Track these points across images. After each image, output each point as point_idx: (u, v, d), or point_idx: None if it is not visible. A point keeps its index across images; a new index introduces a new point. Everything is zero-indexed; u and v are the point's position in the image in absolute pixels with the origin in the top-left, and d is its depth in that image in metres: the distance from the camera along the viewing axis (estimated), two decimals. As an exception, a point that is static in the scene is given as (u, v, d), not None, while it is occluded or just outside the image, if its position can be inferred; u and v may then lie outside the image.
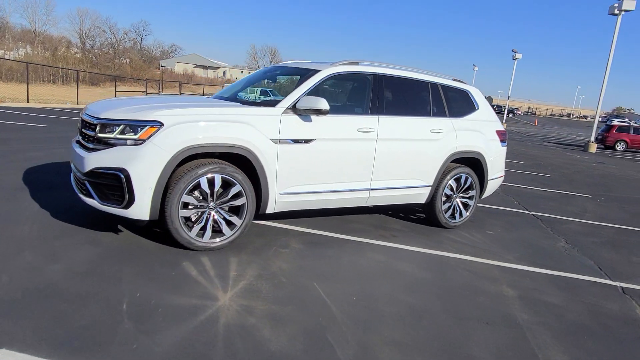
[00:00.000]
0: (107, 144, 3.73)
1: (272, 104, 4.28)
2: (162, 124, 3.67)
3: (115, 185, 3.65)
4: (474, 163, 5.60)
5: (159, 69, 71.22)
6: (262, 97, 5.23)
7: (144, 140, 3.65)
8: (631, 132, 26.80)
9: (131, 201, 3.63)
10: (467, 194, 5.60)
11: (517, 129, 41.73)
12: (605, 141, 26.66)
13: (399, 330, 3.01)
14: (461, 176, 5.44)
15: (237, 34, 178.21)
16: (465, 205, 5.61)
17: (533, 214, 6.89)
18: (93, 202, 3.78)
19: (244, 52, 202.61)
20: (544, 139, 30.97)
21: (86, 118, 4.00)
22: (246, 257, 3.97)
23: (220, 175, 3.88)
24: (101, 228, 4.24)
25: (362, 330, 2.96)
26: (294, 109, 4.24)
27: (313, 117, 4.29)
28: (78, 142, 4.14)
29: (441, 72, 5.65)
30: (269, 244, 4.32)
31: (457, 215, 5.54)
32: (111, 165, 3.64)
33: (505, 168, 6.26)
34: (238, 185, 3.97)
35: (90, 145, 3.83)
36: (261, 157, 4.03)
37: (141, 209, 3.66)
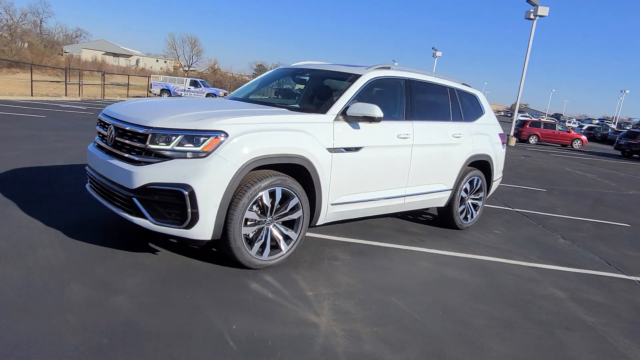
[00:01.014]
0: (161, 156, 3.32)
1: (322, 110, 4.08)
2: (227, 135, 3.33)
3: (176, 203, 3.26)
4: (483, 165, 5.79)
5: (62, 54, 65.09)
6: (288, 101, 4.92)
7: (208, 153, 3.28)
8: (542, 127, 29.51)
9: (194, 220, 3.26)
10: (478, 195, 5.79)
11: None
12: (520, 135, 29.05)
13: (504, 344, 3.03)
14: (474, 179, 5.61)
15: (150, 21, 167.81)
16: (475, 207, 5.80)
17: (516, 211, 7.31)
18: (144, 222, 3.34)
19: (160, 40, 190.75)
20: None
21: (125, 126, 3.52)
22: (307, 273, 3.76)
23: (281, 188, 3.63)
24: (132, 248, 3.79)
25: (477, 348, 2.93)
26: (344, 115, 4.07)
27: (360, 124, 4.15)
28: (110, 151, 3.64)
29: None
30: (317, 257, 4.13)
31: (469, 216, 5.71)
32: (171, 180, 3.24)
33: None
34: (296, 197, 3.74)
35: (137, 158, 3.37)
36: (318, 166, 3.82)
37: (204, 229, 3.31)
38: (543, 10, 24.29)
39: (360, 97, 4.27)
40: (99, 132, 3.96)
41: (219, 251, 3.86)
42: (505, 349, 2.96)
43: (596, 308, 3.83)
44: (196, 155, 3.28)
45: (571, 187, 11.18)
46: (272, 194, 3.60)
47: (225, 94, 30.41)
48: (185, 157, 3.28)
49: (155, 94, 32.52)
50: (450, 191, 5.34)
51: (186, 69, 75.64)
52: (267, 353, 2.57)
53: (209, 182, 3.26)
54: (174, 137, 3.31)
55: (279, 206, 3.69)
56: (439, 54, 44.22)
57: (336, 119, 4.01)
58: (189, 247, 3.94)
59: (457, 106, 5.47)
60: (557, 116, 69.18)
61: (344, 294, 3.46)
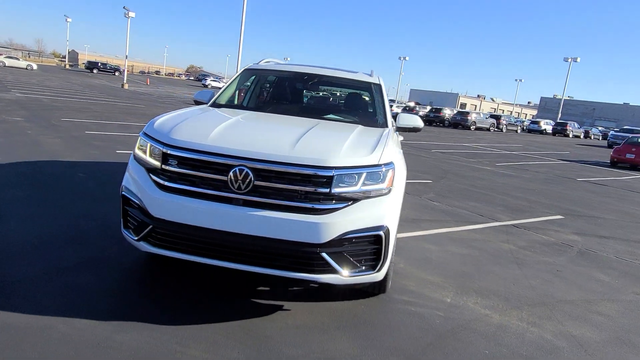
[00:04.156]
0: (345, 199, 2.92)
1: (382, 124, 4.17)
2: (394, 165, 3.20)
3: (373, 248, 3.01)
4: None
5: None
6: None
7: (390, 189, 3.11)
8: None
9: (385, 261, 3.09)
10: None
11: (137, 88, 41.63)
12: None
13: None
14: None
15: None
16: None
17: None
18: (333, 278, 2.93)
19: None
20: (182, 100, 32.72)
21: (288, 168, 2.85)
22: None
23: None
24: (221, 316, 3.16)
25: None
26: (394, 127, 4.29)
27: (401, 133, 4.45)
28: (252, 202, 2.85)
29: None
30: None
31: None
32: (367, 225, 2.95)
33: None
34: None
35: (320, 206, 2.86)
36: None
37: (386, 267, 3.17)
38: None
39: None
40: (196, 176, 2.93)
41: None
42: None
43: (512, 241, 5.58)
44: (380, 192, 3.05)
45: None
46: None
47: None
48: (370, 197, 3.01)
49: None
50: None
51: None
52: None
53: (394, 218, 3.15)
54: (357, 176, 2.96)
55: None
56: (132, 14, 41.03)
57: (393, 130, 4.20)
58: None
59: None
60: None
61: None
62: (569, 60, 52.42)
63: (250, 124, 3.65)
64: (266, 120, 3.91)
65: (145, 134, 3.28)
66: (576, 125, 49.06)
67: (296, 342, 2.87)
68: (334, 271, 2.90)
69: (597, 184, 13.12)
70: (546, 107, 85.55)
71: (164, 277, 3.60)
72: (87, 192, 5.77)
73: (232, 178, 2.86)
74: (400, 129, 4.36)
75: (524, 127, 47.45)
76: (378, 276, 3.11)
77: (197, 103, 4.72)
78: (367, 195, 3.00)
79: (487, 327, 3.39)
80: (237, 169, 2.86)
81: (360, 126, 3.96)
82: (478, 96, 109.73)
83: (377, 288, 3.53)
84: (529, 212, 7.81)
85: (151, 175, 3.07)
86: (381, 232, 2.99)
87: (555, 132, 46.18)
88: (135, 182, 3.14)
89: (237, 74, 4.83)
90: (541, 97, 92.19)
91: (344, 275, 2.93)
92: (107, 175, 6.81)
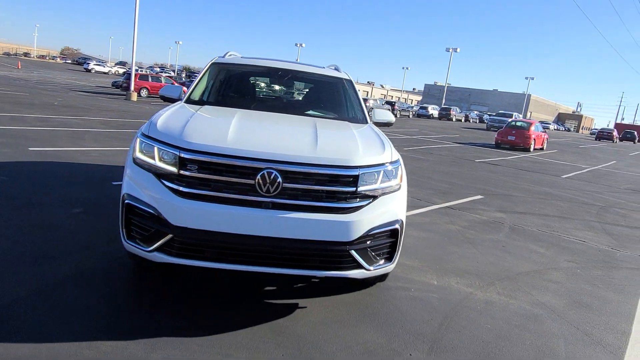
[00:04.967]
0: (366, 197, 3.05)
1: (362, 120, 4.33)
2: (400, 162, 3.40)
3: (391, 241, 3.19)
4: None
5: None
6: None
7: (400, 184, 3.30)
8: (150, 80, 30.46)
9: (398, 252, 3.30)
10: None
11: (8, 73, 36.71)
12: (130, 88, 29.03)
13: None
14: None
15: None
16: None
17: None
18: (359, 273, 3.06)
19: None
20: (70, 87, 29.67)
21: (315, 169, 2.89)
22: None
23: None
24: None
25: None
26: (372, 122, 4.48)
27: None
28: (282, 204, 2.85)
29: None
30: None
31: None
32: (387, 220, 3.12)
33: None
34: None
35: (346, 205, 2.95)
36: None
37: (398, 258, 3.37)
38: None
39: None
40: (220, 181, 2.84)
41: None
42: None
43: (455, 222, 6.21)
44: (394, 188, 3.23)
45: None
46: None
47: None
48: (386, 193, 3.17)
49: None
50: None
51: None
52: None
53: (404, 211, 3.33)
54: (376, 174, 3.10)
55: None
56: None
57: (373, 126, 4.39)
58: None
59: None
60: (122, 64, 70.05)
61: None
62: (450, 50, 57.16)
63: (253, 124, 3.57)
64: (264, 119, 3.84)
65: (149, 137, 3.06)
66: (458, 109, 53.93)
67: (329, 338, 2.96)
68: (360, 266, 3.03)
69: (492, 164, 14.73)
70: (429, 93, 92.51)
71: (160, 288, 3.42)
72: (25, 197, 5.13)
73: (260, 181, 2.82)
74: (375, 124, 4.56)
75: (415, 113, 50.94)
76: (392, 267, 3.30)
77: (165, 99, 4.45)
78: (384, 192, 3.15)
79: (477, 303, 3.77)
80: (265, 171, 2.82)
81: (350, 123, 4.09)
82: (368, 82, 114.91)
83: (379, 278, 3.72)
84: (454, 194, 8.57)
85: (164, 181, 2.89)
86: (397, 226, 3.17)
87: (441, 117, 50.28)
88: (144, 190, 2.93)
89: (206, 68, 4.61)
90: (425, 84, 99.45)
91: (368, 270, 3.07)
92: (39, 176, 6.09)
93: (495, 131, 27.66)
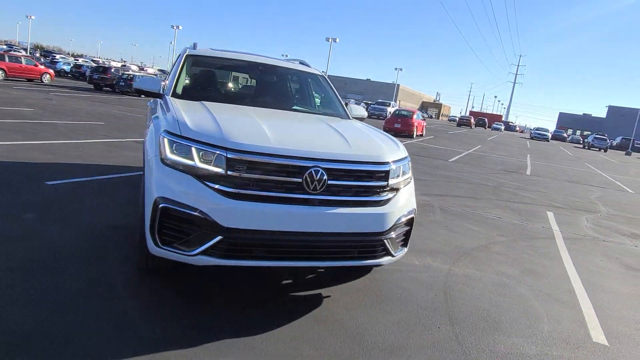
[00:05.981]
0: (393, 190, 3.34)
1: (345, 116, 4.55)
2: (409, 157, 3.72)
3: (410, 227, 3.51)
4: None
5: None
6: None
7: (412, 176, 3.65)
8: (7, 60, 26.52)
9: (410, 237, 3.63)
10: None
11: None
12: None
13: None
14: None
15: None
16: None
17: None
18: (387, 259, 3.34)
19: None
20: None
21: (357, 166, 3.07)
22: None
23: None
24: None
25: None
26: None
27: None
28: (327, 201, 2.98)
29: None
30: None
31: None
32: (408, 209, 3.44)
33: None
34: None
35: (379, 198, 3.21)
36: None
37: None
38: None
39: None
40: (269, 180, 2.86)
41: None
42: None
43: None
44: (409, 180, 3.56)
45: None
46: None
47: None
48: (405, 185, 3.48)
49: None
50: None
51: None
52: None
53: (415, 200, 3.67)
54: (399, 168, 3.39)
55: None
56: None
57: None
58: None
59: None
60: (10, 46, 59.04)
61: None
62: (330, 40, 59.11)
63: (275, 122, 3.59)
64: (279, 117, 3.95)
65: (183, 137, 2.92)
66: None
67: (366, 320, 3.19)
68: (389, 254, 3.30)
69: (391, 151, 15.91)
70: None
71: (174, 295, 3.31)
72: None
73: (308, 179, 2.92)
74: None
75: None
76: (405, 251, 3.62)
77: (143, 92, 4.15)
78: (404, 184, 3.46)
79: (459, 277, 4.30)
80: (312, 170, 2.92)
81: (348, 120, 4.34)
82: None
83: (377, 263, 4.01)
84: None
85: (208, 182, 2.82)
86: (414, 215, 3.50)
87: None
88: (184, 192, 2.81)
89: (181, 59, 4.37)
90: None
91: (394, 256, 3.36)
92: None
93: (377, 119, 29.73)
